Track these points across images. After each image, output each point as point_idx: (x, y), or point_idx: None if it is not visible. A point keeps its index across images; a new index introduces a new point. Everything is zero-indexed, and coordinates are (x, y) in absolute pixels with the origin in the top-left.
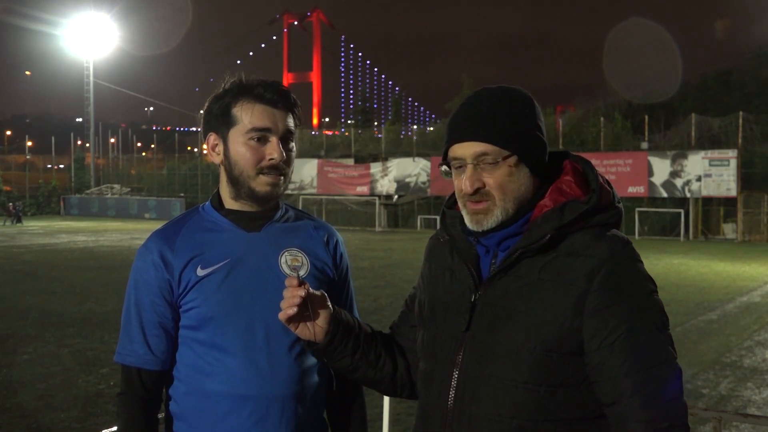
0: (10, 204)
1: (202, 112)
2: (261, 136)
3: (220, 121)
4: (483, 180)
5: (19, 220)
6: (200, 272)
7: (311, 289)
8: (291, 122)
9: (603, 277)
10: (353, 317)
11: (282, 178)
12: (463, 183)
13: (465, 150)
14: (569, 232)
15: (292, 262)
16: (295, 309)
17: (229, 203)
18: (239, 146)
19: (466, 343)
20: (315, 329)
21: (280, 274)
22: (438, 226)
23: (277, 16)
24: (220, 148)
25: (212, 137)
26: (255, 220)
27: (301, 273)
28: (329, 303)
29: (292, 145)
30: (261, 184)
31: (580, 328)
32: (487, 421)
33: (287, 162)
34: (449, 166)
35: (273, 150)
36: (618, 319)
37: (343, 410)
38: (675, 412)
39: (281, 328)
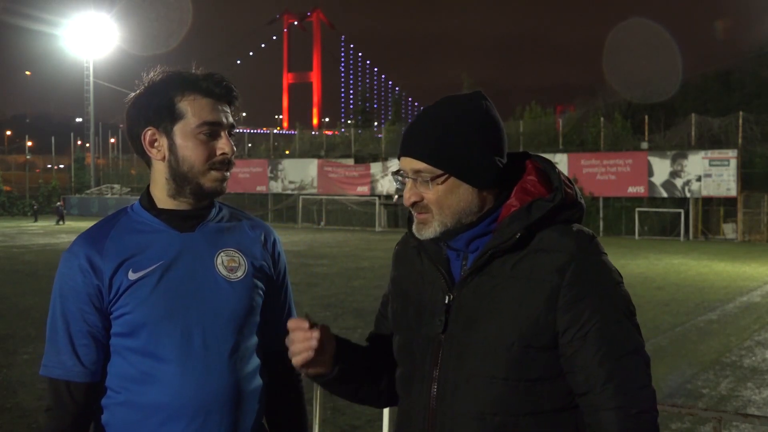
0: (58, 203)
1: (128, 105)
2: (212, 130)
3: (163, 115)
4: (421, 194)
5: (62, 218)
6: (132, 276)
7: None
8: (231, 116)
9: (573, 271)
10: (347, 340)
11: (228, 173)
12: (404, 195)
13: (405, 164)
14: (537, 230)
15: (229, 263)
16: (312, 354)
17: (164, 202)
18: (188, 141)
19: (443, 344)
20: (324, 363)
21: (217, 275)
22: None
23: (277, 16)
24: (161, 144)
25: (150, 132)
26: (188, 219)
27: (239, 274)
28: (331, 333)
29: (233, 139)
30: (210, 179)
31: (554, 322)
32: (469, 419)
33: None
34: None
35: (224, 144)
36: (590, 311)
37: (283, 417)
38: (645, 398)
39: (219, 334)
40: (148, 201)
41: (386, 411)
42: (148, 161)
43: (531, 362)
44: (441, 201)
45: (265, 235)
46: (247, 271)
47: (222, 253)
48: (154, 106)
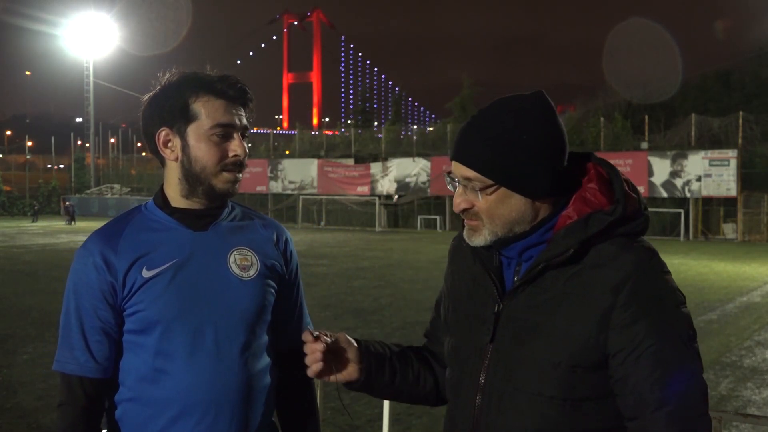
0: (68, 203)
1: (145, 102)
2: (225, 132)
3: (177, 116)
4: (472, 202)
5: (72, 218)
6: (146, 273)
7: (329, 335)
8: (245, 118)
9: (629, 291)
10: (381, 344)
11: (240, 175)
12: (454, 200)
13: (456, 170)
14: (594, 243)
15: (242, 261)
16: (320, 364)
17: (177, 201)
18: (201, 142)
19: (490, 354)
20: (349, 369)
21: (230, 274)
22: (451, 228)
23: (277, 16)
24: (175, 144)
25: (164, 132)
26: (202, 218)
27: (251, 272)
28: (352, 339)
29: (246, 141)
30: (222, 181)
31: (605, 343)
32: None
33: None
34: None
35: (237, 146)
36: (644, 334)
37: (295, 416)
38: (701, 428)
39: (230, 331)
40: (161, 200)
41: (386, 412)
42: (162, 161)
43: (578, 382)
44: (491, 211)
45: (277, 234)
46: (260, 269)
47: (235, 252)
48: (169, 107)
